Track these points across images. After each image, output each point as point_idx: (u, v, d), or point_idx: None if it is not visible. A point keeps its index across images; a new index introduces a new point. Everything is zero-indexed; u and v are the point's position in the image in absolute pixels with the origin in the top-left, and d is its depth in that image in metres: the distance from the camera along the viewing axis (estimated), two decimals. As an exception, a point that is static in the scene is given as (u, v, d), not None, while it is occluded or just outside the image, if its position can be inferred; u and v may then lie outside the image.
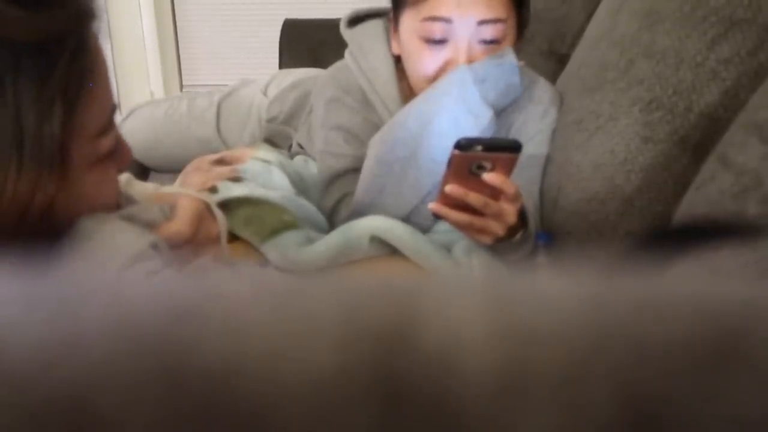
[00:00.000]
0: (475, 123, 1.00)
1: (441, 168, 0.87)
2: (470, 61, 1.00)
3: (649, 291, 0.20)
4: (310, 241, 0.99)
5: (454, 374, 0.16)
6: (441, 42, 1.01)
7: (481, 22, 0.99)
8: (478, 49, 1.01)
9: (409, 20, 1.04)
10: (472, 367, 0.16)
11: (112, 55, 2.58)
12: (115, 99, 0.60)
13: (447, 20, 1.00)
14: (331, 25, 1.22)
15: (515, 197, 0.87)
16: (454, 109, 1.00)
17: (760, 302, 0.19)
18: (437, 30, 1.00)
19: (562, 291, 0.19)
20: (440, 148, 0.96)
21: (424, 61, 1.03)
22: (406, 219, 1.02)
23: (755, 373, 0.17)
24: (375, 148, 1.03)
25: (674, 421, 0.16)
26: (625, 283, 0.20)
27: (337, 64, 1.18)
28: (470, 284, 0.20)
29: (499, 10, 1.00)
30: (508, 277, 0.22)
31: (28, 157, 0.50)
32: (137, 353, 0.16)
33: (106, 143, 0.57)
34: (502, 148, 0.85)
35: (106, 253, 0.55)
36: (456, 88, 0.99)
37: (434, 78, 1.03)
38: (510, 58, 1.01)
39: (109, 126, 0.58)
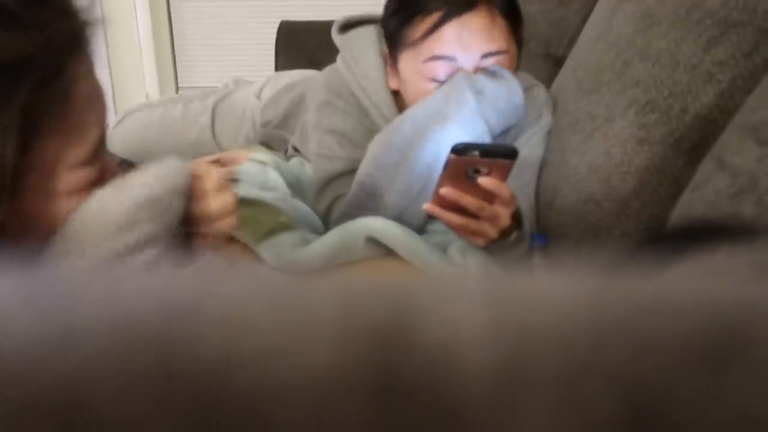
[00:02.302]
0: (467, 132, 0.99)
1: (431, 173, 0.86)
2: None
3: (647, 289, 0.20)
4: (305, 242, 0.99)
5: (452, 371, 0.16)
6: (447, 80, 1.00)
7: (485, 56, 0.99)
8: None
9: (409, 61, 1.03)
10: (470, 363, 0.16)
11: (108, 56, 2.58)
12: (109, 117, 0.56)
13: (450, 58, 0.99)
14: (327, 28, 1.22)
15: (510, 201, 0.87)
16: (447, 116, 0.99)
17: (756, 300, 0.19)
18: (441, 70, 0.99)
19: (559, 288, 0.19)
20: (431, 152, 0.96)
21: None
22: (397, 220, 1.01)
23: (752, 371, 0.17)
24: (373, 149, 1.03)
25: (672, 418, 0.16)
26: (622, 281, 0.20)
27: (330, 68, 1.18)
28: (468, 282, 0.20)
29: (501, 42, 0.99)
30: (506, 274, 0.22)
31: None
32: (132, 349, 0.16)
33: (86, 175, 0.54)
34: (498, 154, 0.85)
35: (95, 241, 0.52)
36: (452, 96, 0.99)
37: None
38: (506, 73, 1.00)
39: (93, 158, 0.54)
